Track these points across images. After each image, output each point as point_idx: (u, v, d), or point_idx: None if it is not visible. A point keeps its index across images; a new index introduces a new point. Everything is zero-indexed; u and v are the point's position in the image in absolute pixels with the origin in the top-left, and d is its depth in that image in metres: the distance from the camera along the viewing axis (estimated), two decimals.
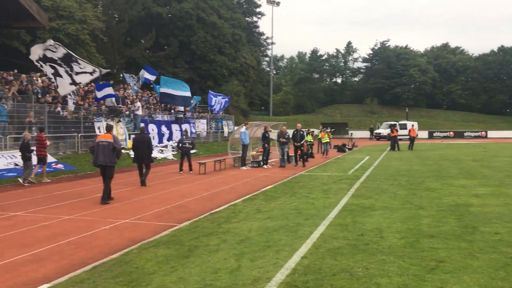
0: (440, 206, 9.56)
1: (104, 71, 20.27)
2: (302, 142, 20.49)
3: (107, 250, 6.88)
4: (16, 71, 22.41)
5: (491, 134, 61.95)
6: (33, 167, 15.07)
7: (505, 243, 6.57)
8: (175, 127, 30.21)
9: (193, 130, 32.77)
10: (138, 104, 25.28)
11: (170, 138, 29.05)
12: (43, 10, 19.98)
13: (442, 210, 9.16)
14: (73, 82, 19.07)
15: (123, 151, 15.17)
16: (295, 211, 9.29)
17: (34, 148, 15.02)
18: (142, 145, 14.34)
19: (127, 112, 25.23)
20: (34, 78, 21.96)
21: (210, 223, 8.49)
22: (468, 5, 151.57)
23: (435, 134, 62.15)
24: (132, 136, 21.68)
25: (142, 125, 19.60)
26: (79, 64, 18.98)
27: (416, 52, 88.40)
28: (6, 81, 20.27)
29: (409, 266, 5.58)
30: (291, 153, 21.25)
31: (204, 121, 35.97)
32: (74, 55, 19.57)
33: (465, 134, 62.38)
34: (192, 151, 19.15)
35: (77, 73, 18.83)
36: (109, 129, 11.75)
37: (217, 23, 52.46)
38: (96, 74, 19.55)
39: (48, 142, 15.78)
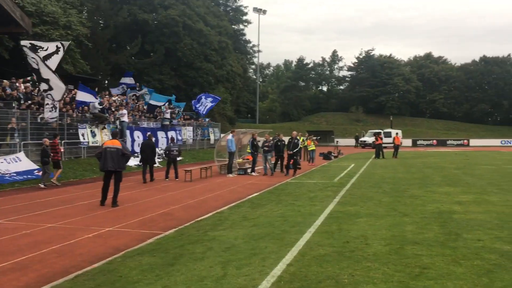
0: (424, 213, 9.65)
1: (66, 43, 19.55)
2: (295, 151, 20.21)
3: (90, 258, 6.78)
4: None
5: (473, 142, 62.86)
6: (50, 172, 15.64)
7: (487, 249, 6.64)
8: (161, 134, 30.05)
9: (179, 138, 32.63)
10: (124, 111, 25.11)
11: (156, 146, 28.88)
12: (27, 16, 19.74)
13: (426, 217, 9.25)
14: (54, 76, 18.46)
15: None
16: (281, 219, 9.30)
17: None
18: (148, 149, 17.43)
19: (112, 119, 25.04)
20: (17, 84, 21.68)
21: (195, 230, 8.45)
22: (451, 15, 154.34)
23: (418, 142, 62.89)
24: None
25: (149, 133, 20.80)
26: (42, 48, 18.13)
27: (400, 62, 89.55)
28: None
29: (394, 273, 5.61)
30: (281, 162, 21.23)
31: (191, 128, 35.86)
32: (35, 42, 18.75)
33: (448, 142, 63.28)
34: (178, 159, 19.07)
35: (46, 59, 18.00)
36: (115, 135, 12.23)
37: (203, 30, 52.47)
38: (61, 52, 18.73)
39: (61, 148, 16.48)
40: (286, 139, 20.74)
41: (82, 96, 22.50)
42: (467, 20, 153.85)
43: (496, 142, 63.71)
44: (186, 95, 49.86)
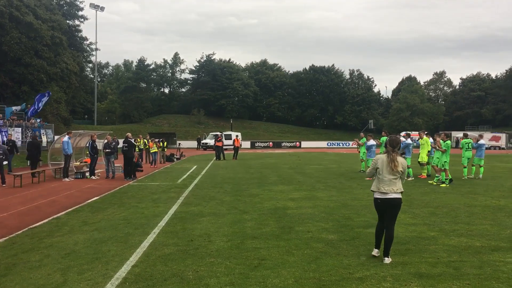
0: (261, 210, 10.36)
1: None
2: (133, 153, 19.48)
3: None
4: None
5: (304, 144, 68.78)
6: None
7: (315, 239, 7.46)
8: None
9: (5, 139, 29.50)
10: None
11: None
12: None
13: (263, 213, 9.94)
14: None
15: None
16: (124, 221, 9.14)
17: None
18: (33, 148, 20.02)
19: None
20: None
21: (29, 238, 7.86)
22: (286, 26, 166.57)
23: (257, 144, 66.47)
24: None
25: (36, 132, 23.26)
26: None
27: (239, 67, 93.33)
28: None
29: (235, 266, 5.99)
30: (118, 163, 20.58)
31: (19, 129, 32.66)
32: None
33: (283, 144, 68.10)
34: (4, 162, 17.30)
35: None
36: None
37: (33, 23, 48.09)
38: None
39: None
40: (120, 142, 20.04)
41: None
42: (299, 31, 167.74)
43: (323, 144, 70.77)
44: (14, 93, 45.29)
